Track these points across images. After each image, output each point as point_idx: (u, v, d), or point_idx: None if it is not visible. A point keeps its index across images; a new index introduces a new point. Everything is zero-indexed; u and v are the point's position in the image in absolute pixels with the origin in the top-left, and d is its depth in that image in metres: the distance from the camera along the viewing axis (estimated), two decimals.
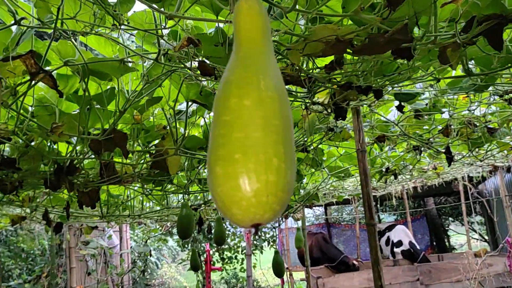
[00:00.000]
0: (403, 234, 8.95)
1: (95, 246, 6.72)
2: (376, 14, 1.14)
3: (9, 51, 1.51)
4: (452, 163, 3.48)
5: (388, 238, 9.26)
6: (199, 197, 3.62)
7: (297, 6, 1.33)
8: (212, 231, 4.43)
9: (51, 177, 1.96)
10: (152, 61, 1.63)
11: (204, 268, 7.22)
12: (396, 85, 1.92)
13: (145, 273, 10.89)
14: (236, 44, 0.67)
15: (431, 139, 3.01)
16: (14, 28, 1.54)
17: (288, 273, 8.38)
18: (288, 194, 0.55)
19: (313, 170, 3.27)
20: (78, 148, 2.07)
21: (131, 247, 9.83)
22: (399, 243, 8.83)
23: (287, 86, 1.73)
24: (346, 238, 12.73)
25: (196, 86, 1.80)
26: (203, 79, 1.66)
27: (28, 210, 3.01)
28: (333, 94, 1.85)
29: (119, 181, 2.21)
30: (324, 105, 1.84)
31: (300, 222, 5.60)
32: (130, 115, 2.01)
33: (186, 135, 2.02)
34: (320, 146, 3.02)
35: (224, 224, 3.69)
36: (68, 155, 2.04)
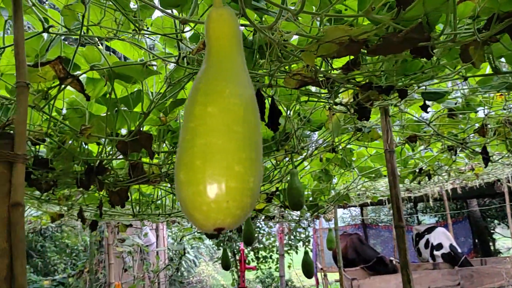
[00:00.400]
0: (443, 237, 8.62)
1: (130, 244, 6.92)
2: (389, 14, 1.11)
3: (39, 56, 1.60)
4: (489, 163, 3.33)
5: (428, 240, 8.95)
6: None
7: (313, 8, 1.33)
8: None
9: (81, 177, 2.05)
10: (174, 64, 1.66)
11: (238, 267, 7.27)
12: (422, 84, 1.87)
13: (179, 271, 11.07)
14: (207, 51, 0.68)
15: (466, 139, 2.90)
16: (45, 35, 1.62)
17: (322, 273, 8.29)
18: (251, 199, 0.55)
19: (342, 170, 3.22)
20: (107, 149, 2.15)
21: (167, 245, 10.04)
22: (439, 246, 8.51)
23: (306, 87, 1.72)
24: (383, 240, 12.44)
25: None
26: None
27: (65, 208, 3.15)
28: (356, 94, 1.82)
29: (147, 181, 2.28)
30: (347, 105, 1.82)
31: (332, 223, 5.53)
32: (156, 117, 2.06)
33: None
34: (349, 146, 2.98)
35: (253, 224, 3.68)
36: (98, 156, 2.12)
